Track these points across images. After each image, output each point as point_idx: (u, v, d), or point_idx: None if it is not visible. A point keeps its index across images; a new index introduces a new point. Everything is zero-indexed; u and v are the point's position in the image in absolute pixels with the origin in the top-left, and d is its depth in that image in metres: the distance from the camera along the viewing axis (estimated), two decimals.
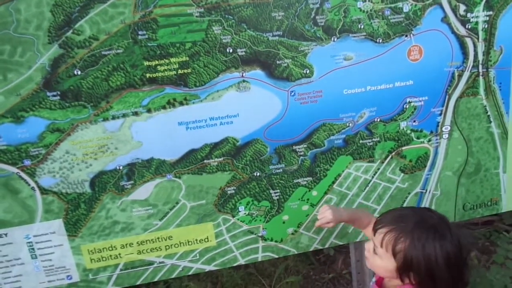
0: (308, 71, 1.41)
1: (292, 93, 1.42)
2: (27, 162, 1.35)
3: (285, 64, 1.39)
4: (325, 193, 1.55)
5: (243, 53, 1.36)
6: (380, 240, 1.01)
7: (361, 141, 1.52)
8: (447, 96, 1.53)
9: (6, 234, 1.41)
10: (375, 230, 1.05)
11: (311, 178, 1.52)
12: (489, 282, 1.78)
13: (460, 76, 1.52)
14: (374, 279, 1.19)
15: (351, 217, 1.32)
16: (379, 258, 1.03)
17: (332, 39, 1.39)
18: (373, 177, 1.56)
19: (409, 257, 0.97)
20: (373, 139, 1.52)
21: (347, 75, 1.44)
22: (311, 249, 1.61)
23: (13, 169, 1.35)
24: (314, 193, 1.54)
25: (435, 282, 0.97)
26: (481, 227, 2.96)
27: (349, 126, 1.49)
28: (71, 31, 1.26)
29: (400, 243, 0.98)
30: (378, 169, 1.56)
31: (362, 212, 1.37)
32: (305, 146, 1.49)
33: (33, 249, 1.45)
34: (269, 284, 2.74)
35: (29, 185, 1.37)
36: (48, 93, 1.30)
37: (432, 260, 0.95)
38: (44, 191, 1.39)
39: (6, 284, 1.47)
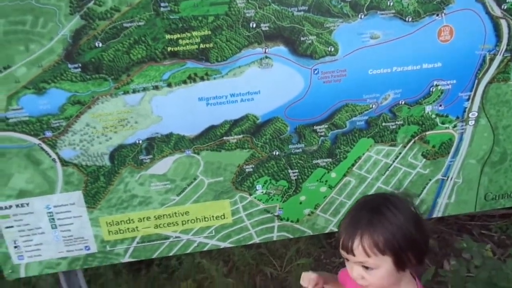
0: (332, 49, 1.37)
1: (316, 71, 1.39)
2: (48, 134, 1.36)
3: (310, 41, 1.35)
4: (344, 175, 1.53)
5: (267, 28, 1.32)
6: (363, 252, 0.94)
7: (383, 124, 1.48)
8: (476, 81, 1.47)
9: (27, 204, 1.43)
10: (349, 250, 0.96)
11: (330, 160, 1.50)
12: (505, 276, 1.75)
13: (491, 60, 1.45)
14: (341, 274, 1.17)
15: (332, 276, 1.24)
16: (376, 269, 0.95)
17: (359, 16, 1.34)
18: (394, 161, 1.53)
19: (394, 244, 0.93)
20: (396, 122, 1.48)
21: (373, 55, 1.39)
22: (326, 231, 1.60)
23: (35, 140, 1.36)
24: (333, 175, 1.52)
25: (423, 252, 0.98)
26: (498, 220, 2.91)
27: (372, 107, 1.45)
28: (92, 1, 1.24)
29: (379, 240, 0.93)
30: (400, 153, 1.52)
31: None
32: (326, 126, 1.46)
33: (53, 219, 1.47)
34: (280, 265, 2.75)
35: (50, 156, 1.39)
36: (70, 65, 1.29)
37: (418, 243, 0.96)
38: (64, 163, 1.40)
39: (27, 252, 1.50)
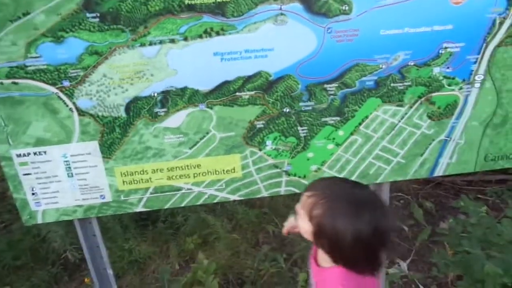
0: (347, 8, 1.39)
1: (329, 30, 1.41)
2: (66, 83, 1.39)
3: None
4: (351, 133, 1.58)
5: None
6: (302, 202, 1.05)
7: (392, 84, 1.52)
8: (484, 44, 1.50)
9: (45, 152, 1.48)
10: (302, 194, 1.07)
11: (338, 118, 1.55)
12: (500, 232, 1.84)
13: (501, 23, 1.48)
14: (312, 251, 1.23)
15: None
16: (300, 219, 1.07)
17: None
18: (399, 121, 1.58)
19: (321, 225, 1.01)
20: (405, 83, 1.52)
21: (385, 15, 1.41)
22: None
23: (53, 89, 1.39)
24: (341, 133, 1.57)
25: (342, 256, 1.02)
26: (494, 185, 3.01)
27: (382, 68, 1.49)
28: None
29: (317, 209, 1.01)
30: (406, 113, 1.57)
31: None
32: (336, 85, 1.49)
33: (69, 168, 1.52)
34: (282, 224, 2.85)
35: (67, 105, 1.42)
36: (88, 14, 1.31)
37: (340, 234, 0.98)
38: (81, 112, 1.44)
39: (44, 199, 1.56)
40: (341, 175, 1.64)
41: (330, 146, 1.59)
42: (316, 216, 1.01)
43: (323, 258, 1.11)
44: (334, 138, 1.58)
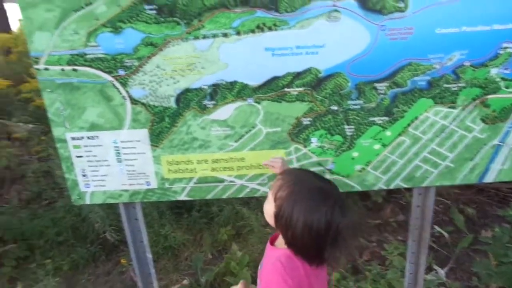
0: (403, 5, 1.35)
1: (383, 28, 1.39)
2: (121, 72, 1.44)
3: None
4: (399, 134, 1.55)
5: None
6: (272, 184, 1.12)
7: (445, 85, 1.47)
8: None
9: (97, 137, 1.54)
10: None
11: (387, 118, 1.52)
12: None
13: None
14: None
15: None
16: (267, 201, 1.13)
17: None
18: (451, 123, 1.53)
19: (281, 207, 1.07)
20: (459, 84, 1.47)
21: (442, 13, 1.37)
22: (375, 188, 1.65)
23: (108, 77, 1.45)
24: (388, 133, 1.55)
25: (292, 240, 1.07)
26: None
27: (435, 67, 1.45)
28: None
29: (281, 192, 1.08)
30: (458, 116, 1.52)
31: None
32: (387, 84, 1.47)
33: (119, 153, 1.58)
34: None
35: (121, 94, 1.47)
36: (146, 6, 1.34)
37: (294, 219, 1.04)
38: (134, 101, 1.48)
39: (93, 181, 1.63)
40: (386, 177, 1.62)
41: (377, 146, 1.57)
42: (279, 197, 1.08)
43: (280, 241, 1.18)
44: (381, 138, 1.55)
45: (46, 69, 1.43)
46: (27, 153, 3.76)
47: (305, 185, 1.09)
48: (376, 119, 1.53)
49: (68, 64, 1.41)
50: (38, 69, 1.43)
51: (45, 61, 1.41)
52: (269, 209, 1.13)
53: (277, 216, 1.10)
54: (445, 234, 2.57)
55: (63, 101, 1.47)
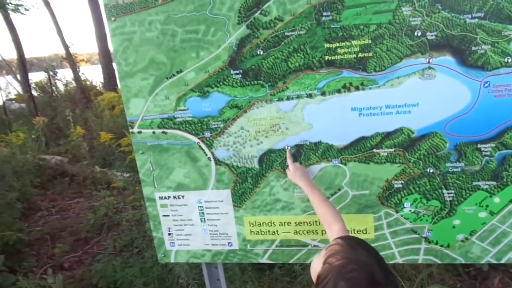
0: (510, 60, 1.21)
1: (486, 84, 1.25)
2: (207, 134, 1.47)
3: (482, 51, 1.22)
4: (510, 201, 1.34)
5: (433, 37, 1.23)
6: (328, 245, 1.01)
7: None
8: None
9: (183, 196, 1.58)
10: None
11: (495, 183, 1.33)
12: None
13: None
14: None
15: (306, 190, 1.35)
16: (318, 256, 1.02)
17: None
18: None
19: (327, 275, 0.92)
20: None
21: None
22: (482, 262, 1.43)
23: (195, 139, 1.49)
24: (496, 200, 1.35)
25: None
26: None
27: None
28: (259, 11, 1.30)
29: (334, 259, 0.95)
30: None
31: (326, 204, 1.30)
32: (493, 145, 1.30)
33: (203, 213, 1.59)
34: None
35: (206, 155, 1.50)
36: (232, 71, 1.38)
37: None
38: (218, 162, 1.50)
39: (178, 240, 1.65)
40: (496, 249, 1.40)
41: (483, 214, 1.37)
42: (330, 263, 0.96)
43: None
44: (487, 205, 1.36)
45: (139, 132, 1.52)
46: (123, 201, 4.03)
47: (361, 268, 0.93)
48: (481, 183, 1.35)
49: (159, 127, 1.49)
50: (132, 133, 1.53)
51: (139, 124, 1.51)
52: (316, 267, 1.01)
53: (318, 279, 0.98)
54: None
55: (153, 161, 1.54)
